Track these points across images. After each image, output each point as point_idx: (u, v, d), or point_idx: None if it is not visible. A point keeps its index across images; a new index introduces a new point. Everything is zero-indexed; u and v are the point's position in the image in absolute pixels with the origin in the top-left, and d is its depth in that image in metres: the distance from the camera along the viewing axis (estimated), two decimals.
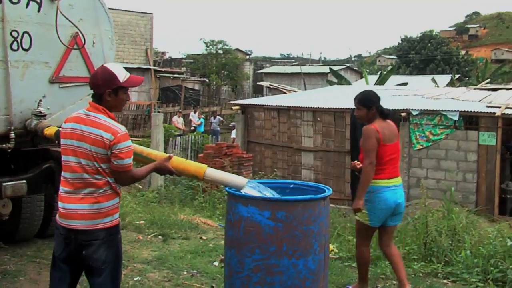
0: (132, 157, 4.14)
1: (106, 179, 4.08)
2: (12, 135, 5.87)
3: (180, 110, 32.67)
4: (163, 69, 42.58)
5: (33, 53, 5.96)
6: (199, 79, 47.33)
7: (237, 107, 21.86)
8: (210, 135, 27.27)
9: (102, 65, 4.29)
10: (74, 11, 6.24)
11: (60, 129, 4.30)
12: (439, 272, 7.22)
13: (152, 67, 37.07)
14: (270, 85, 45.15)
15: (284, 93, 35.88)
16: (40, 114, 5.93)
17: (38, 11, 6.01)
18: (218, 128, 30.56)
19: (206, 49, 55.28)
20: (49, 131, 5.80)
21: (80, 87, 6.40)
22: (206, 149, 17.02)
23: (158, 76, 37.88)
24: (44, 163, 6.28)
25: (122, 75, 4.17)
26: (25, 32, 5.90)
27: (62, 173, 4.17)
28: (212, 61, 54.71)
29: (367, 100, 6.10)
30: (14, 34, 5.83)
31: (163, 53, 65.60)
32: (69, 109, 6.17)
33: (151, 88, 36.26)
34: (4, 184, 5.84)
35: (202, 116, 31.89)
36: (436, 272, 7.23)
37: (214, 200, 13.46)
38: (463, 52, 76.23)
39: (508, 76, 59.23)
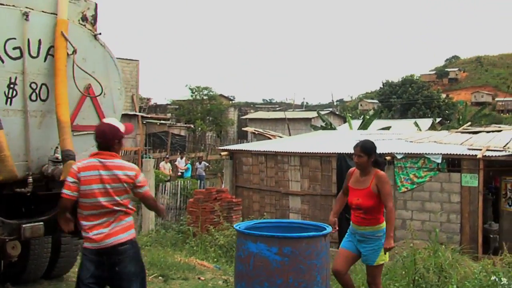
0: (147, 185, 5.33)
1: (123, 207, 5.14)
2: (30, 180, 6.28)
3: (167, 156, 32.95)
4: (149, 116, 42.95)
5: (50, 104, 6.39)
6: (184, 125, 47.75)
7: (225, 153, 22.24)
8: (197, 180, 27.67)
9: (103, 122, 5.42)
10: (87, 63, 6.71)
11: (80, 176, 5.09)
12: None
13: (138, 113, 37.46)
14: (255, 130, 45.65)
15: (269, 138, 36.32)
16: (56, 160, 6.33)
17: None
18: (204, 174, 30.82)
19: (191, 95, 55.90)
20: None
21: (92, 135, 6.81)
22: (196, 194, 17.32)
23: (144, 122, 38.25)
24: None
25: (122, 127, 5.34)
26: (43, 84, 6.37)
27: (84, 212, 5.09)
28: (197, 107, 55.30)
29: (370, 149, 6.55)
30: (33, 85, 6.30)
31: (148, 99, 66.06)
32: (82, 155, 6.58)
33: (138, 134, 36.60)
34: (24, 225, 6.24)
35: (189, 161, 32.21)
36: None
37: (205, 244, 13.74)
38: (443, 95, 77.38)
39: (489, 119, 60.23)
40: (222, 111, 56.88)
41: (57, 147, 6.38)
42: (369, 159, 6.48)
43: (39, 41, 6.34)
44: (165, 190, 21.53)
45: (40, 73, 6.36)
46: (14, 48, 6.13)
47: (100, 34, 6.95)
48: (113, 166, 5.12)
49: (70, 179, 5.12)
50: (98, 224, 5.07)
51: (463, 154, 15.81)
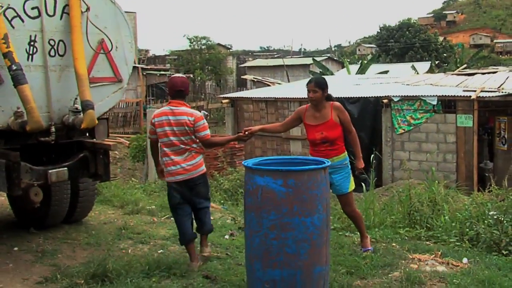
0: (208, 130, 6.61)
1: (188, 146, 6.47)
2: (53, 129, 6.81)
3: None
4: (149, 67, 43.31)
5: (67, 58, 6.90)
6: (184, 75, 47.95)
7: (226, 101, 22.74)
8: None
9: (175, 76, 6.92)
10: (99, 20, 7.18)
11: (154, 121, 6.53)
12: (422, 236, 8.22)
13: (139, 65, 37.80)
14: (254, 78, 45.99)
15: (269, 85, 36.69)
16: (76, 110, 6.85)
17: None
18: None
19: (190, 45, 56.02)
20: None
21: (107, 86, 7.41)
22: None
23: (144, 73, 38.63)
24: (80, 153, 7.26)
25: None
26: (60, 40, 6.87)
27: (164, 149, 6.49)
28: (196, 57, 55.50)
29: (323, 84, 7.04)
30: (52, 42, 6.81)
31: (146, 51, 66.25)
32: (99, 104, 7.14)
33: (139, 86, 37.02)
34: (50, 171, 6.82)
35: None
36: (419, 235, 8.23)
37: (211, 189, 14.26)
38: (441, 38, 77.19)
39: (487, 61, 60.29)
40: (221, 60, 57.09)
41: (76, 98, 6.87)
42: (323, 93, 6.94)
43: (55, 0, 6.80)
44: None
45: (57, 30, 6.84)
46: (33, 8, 6.60)
47: None
48: (179, 113, 6.46)
49: (150, 124, 6.68)
50: (175, 161, 6.44)
51: (458, 96, 16.22)
